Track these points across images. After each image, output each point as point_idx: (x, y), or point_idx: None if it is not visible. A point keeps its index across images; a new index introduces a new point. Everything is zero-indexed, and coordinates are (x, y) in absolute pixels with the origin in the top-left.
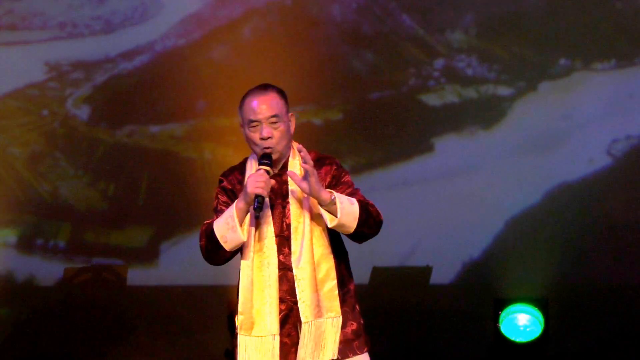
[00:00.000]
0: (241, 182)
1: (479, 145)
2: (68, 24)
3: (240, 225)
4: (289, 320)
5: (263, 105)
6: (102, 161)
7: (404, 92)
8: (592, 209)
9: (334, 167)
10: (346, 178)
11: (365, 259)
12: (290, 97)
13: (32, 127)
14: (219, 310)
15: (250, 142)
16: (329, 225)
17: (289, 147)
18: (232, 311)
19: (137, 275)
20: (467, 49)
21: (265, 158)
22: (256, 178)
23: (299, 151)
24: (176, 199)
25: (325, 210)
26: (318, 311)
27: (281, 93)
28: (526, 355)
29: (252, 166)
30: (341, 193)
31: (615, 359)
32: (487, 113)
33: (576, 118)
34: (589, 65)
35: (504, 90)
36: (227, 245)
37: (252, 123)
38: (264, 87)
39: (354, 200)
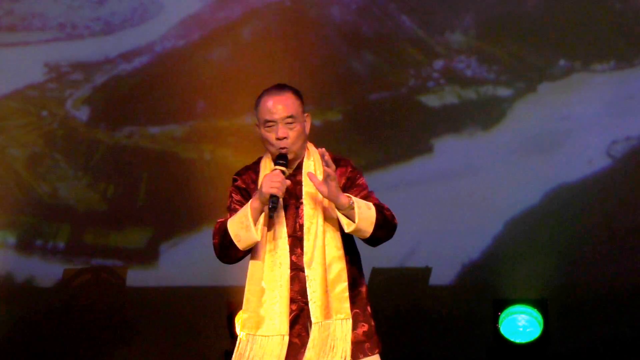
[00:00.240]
0: (255, 181)
1: (479, 146)
2: (68, 25)
3: (255, 224)
4: (299, 321)
5: (279, 106)
6: (102, 162)
7: (403, 93)
8: (591, 210)
9: (349, 168)
10: (361, 180)
11: (365, 259)
12: None
13: (32, 128)
14: (218, 310)
15: (265, 142)
16: (346, 231)
17: (304, 148)
18: (232, 311)
19: (137, 276)
20: (467, 50)
21: (281, 158)
22: (272, 178)
23: (322, 155)
24: (176, 200)
25: (343, 214)
26: (328, 312)
27: (297, 93)
28: (525, 356)
29: (266, 166)
30: (355, 195)
31: (615, 359)
32: (487, 114)
33: (575, 119)
34: (589, 67)
35: (503, 92)
36: (241, 244)
37: (267, 123)
38: (280, 87)
39: (371, 204)
